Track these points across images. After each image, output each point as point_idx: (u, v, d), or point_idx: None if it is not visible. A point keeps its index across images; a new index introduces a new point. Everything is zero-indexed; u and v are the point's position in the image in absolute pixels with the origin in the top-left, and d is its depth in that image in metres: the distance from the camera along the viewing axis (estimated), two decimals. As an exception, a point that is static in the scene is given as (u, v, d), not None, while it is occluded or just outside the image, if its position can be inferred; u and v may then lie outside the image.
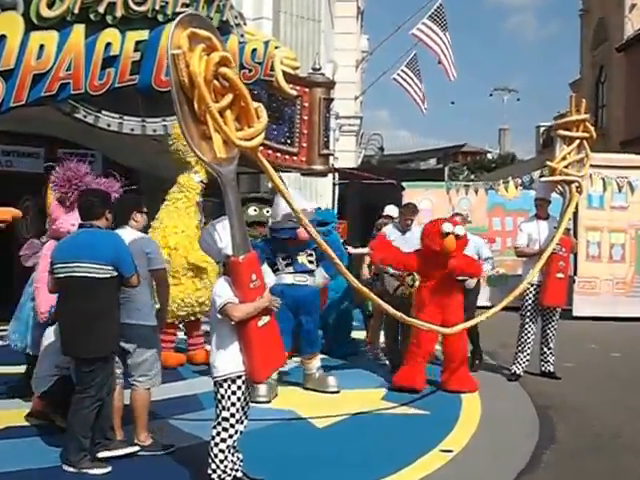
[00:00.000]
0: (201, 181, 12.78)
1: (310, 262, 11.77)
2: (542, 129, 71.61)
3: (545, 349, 14.11)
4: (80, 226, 8.70)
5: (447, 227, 12.13)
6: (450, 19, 33.88)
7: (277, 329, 7.84)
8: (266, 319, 7.54)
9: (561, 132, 13.26)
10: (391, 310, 11.11)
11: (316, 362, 12.30)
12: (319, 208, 13.04)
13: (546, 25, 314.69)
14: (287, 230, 11.19)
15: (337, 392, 11.91)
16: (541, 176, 19.56)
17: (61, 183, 10.38)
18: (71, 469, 8.29)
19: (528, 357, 13.94)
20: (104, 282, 8.28)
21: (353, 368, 13.84)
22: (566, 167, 13.12)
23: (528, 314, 13.80)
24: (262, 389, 10.38)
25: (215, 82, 7.15)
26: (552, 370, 14.12)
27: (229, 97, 7.26)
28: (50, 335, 9.34)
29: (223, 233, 7.53)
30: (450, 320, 12.23)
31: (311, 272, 11.68)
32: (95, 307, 8.27)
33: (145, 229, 9.80)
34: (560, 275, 13.58)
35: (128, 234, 9.06)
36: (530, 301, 13.73)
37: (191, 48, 6.96)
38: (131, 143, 15.12)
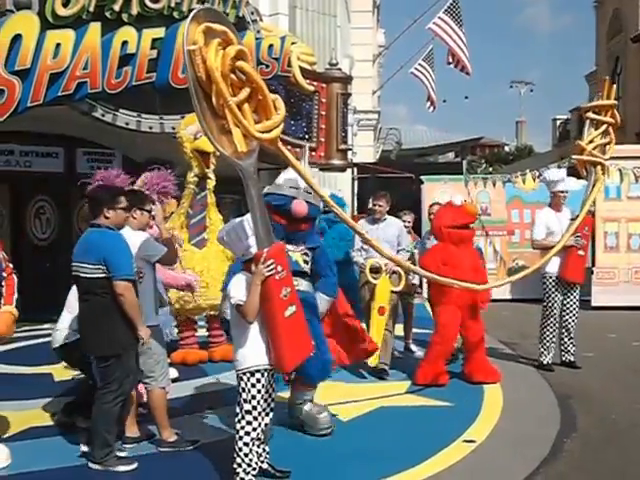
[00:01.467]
0: (195, 175, 12.68)
1: (305, 262, 9.89)
2: (558, 122, 71.55)
3: (566, 339, 14.10)
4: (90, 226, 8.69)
5: (457, 199, 12.86)
6: (465, 13, 33.85)
7: (304, 318, 7.88)
8: (292, 309, 7.55)
9: (591, 115, 13.26)
10: (428, 274, 11.32)
11: (310, 393, 9.80)
12: (332, 194, 12.87)
13: (560, 17, 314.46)
14: (280, 197, 9.34)
15: (329, 434, 9.49)
16: (558, 167, 19.57)
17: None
18: (97, 466, 8.29)
19: (554, 345, 13.95)
20: (98, 282, 8.22)
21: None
22: (594, 149, 13.15)
23: (551, 302, 13.79)
24: (322, 418, 9.52)
25: (232, 76, 7.09)
26: (573, 360, 14.12)
27: (246, 90, 7.21)
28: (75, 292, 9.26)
29: (250, 230, 7.57)
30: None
31: (305, 274, 9.84)
32: (95, 307, 8.28)
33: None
34: (581, 252, 13.69)
35: (126, 233, 8.97)
36: (552, 287, 13.76)
37: (207, 43, 6.92)
38: (149, 141, 15.11)
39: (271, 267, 7.35)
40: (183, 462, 8.61)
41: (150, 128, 14.96)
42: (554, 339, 13.84)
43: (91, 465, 8.33)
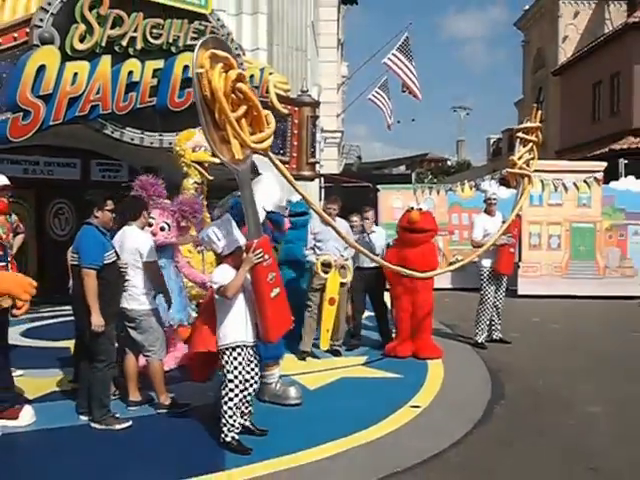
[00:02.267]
0: (195, 182, 12.73)
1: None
2: (492, 141, 71.91)
3: (496, 319, 14.35)
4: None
5: (412, 203, 13.32)
6: (415, 49, 34.09)
7: (285, 298, 8.01)
8: (277, 291, 7.75)
9: (520, 135, 13.45)
10: (387, 265, 11.64)
11: (277, 371, 9.74)
12: (289, 201, 12.89)
13: (494, 53, 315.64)
14: (278, 215, 9.85)
15: (299, 404, 9.48)
16: (492, 179, 19.78)
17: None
18: (97, 425, 8.41)
19: (487, 327, 14.18)
20: (78, 268, 8.36)
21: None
22: (522, 164, 13.33)
23: (486, 290, 14.04)
24: (292, 392, 9.52)
25: (232, 95, 7.20)
26: (502, 336, 14.42)
27: (243, 107, 7.33)
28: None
29: (220, 234, 7.71)
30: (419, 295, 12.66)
31: None
32: (81, 288, 8.31)
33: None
34: (512, 250, 14.05)
35: (130, 230, 9.19)
36: (487, 279, 13.99)
37: (212, 66, 7.04)
38: (150, 154, 15.11)
39: (260, 255, 7.49)
40: (177, 422, 8.71)
41: (151, 143, 14.95)
42: (487, 322, 13.99)
43: (93, 425, 8.44)
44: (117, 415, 8.61)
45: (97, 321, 8.29)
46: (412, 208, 12.89)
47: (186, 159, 12.77)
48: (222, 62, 7.14)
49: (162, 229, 10.65)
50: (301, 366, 11.75)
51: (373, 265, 12.71)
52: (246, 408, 8.00)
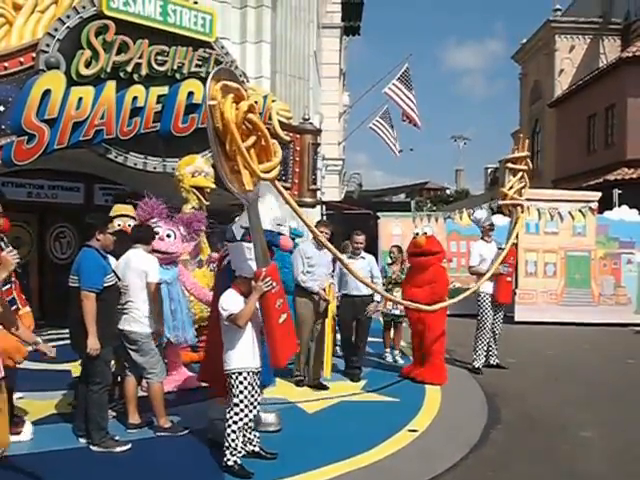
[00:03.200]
0: (193, 207, 12.68)
1: None
2: (489, 170, 72.09)
3: (493, 345, 14.36)
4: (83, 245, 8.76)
5: (417, 229, 13.53)
6: (415, 80, 34.19)
7: (292, 323, 8.07)
8: (284, 316, 7.73)
9: (509, 165, 13.56)
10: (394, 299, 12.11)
11: (260, 398, 8.60)
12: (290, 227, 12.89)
13: (492, 85, 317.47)
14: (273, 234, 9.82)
15: (278, 431, 9.05)
16: (490, 207, 19.81)
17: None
18: (97, 448, 8.29)
19: (485, 353, 14.20)
20: (77, 290, 8.23)
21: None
22: (514, 193, 13.34)
23: (484, 317, 14.10)
24: (272, 418, 9.17)
25: (242, 125, 7.16)
26: (499, 362, 14.43)
27: (253, 138, 7.30)
28: None
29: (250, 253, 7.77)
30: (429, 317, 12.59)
31: None
32: (78, 312, 8.20)
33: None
34: (509, 279, 14.20)
35: (137, 252, 9.19)
36: (486, 305, 14.05)
37: (223, 97, 7.00)
38: (153, 179, 15.04)
39: (269, 283, 7.45)
40: (177, 445, 8.59)
41: (154, 168, 14.89)
42: (485, 347, 13.95)
43: (92, 447, 8.32)
44: (116, 438, 8.51)
45: (93, 344, 8.19)
46: (417, 234, 13.03)
47: (185, 184, 12.75)
48: (233, 93, 7.11)
49: (168, 236, 10.74)
50: (299, 391, 11.65)
51: (363, 293, 12.61)
52: (249, 432, 7.90)
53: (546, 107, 50.97)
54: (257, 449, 8.00)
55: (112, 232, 9.21)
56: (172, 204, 11.59)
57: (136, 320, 8.96)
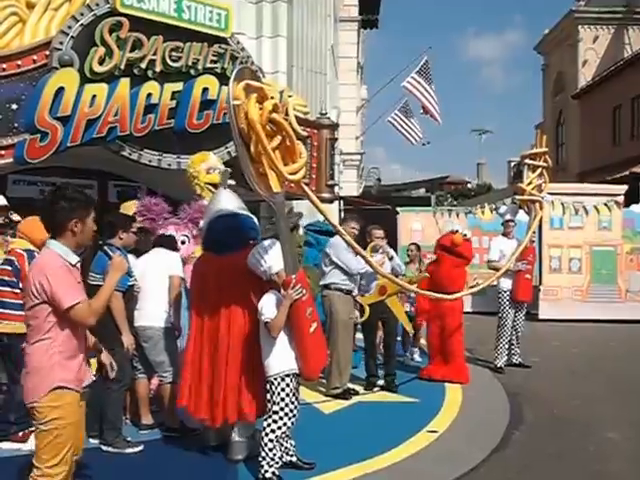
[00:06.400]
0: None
1: None
2: (512, 163, 71.85)
3: (514, 343, 14.35)
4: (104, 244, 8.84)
5: (457, 226, 13.53)
6: (435, 72, 34.13)
7: (322, 333, 7.89)
8: (314, 325, 7.51)
9: (528, 161, 13.50)
10: (417, 290, 11.47)
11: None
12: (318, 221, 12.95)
13: (512, 77, 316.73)
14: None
15: (239, 461, 8.10)
16: (513, 202, 19.74)
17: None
18: (109, 449, 8.39)
19: (507, 351, 14.17)
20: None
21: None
22: (532, 189, 13.32)
23: (505, 314, 14.06)
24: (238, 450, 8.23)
25: (266, 126, 7.04)
26: (522, 360, 14.39)
27: (278, 138, 7.17)
28: None
29: (266, 255, 7.49)
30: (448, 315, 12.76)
31: None
32: None
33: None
34: (528, 276, 14.14)
35: (159, 250, 9.44)
36: (506, 302, 14.04)
37: (247, 97, 6.90)
38: (168, 176, 15.07)
39: (299, 291, 7.27)
40: (186, 446, 8.61)
41: (169, 165, 14.92)
42: (506, 346, 13.94)
43: (104, 448, 8.42)
44: (129, 439, 8.60)
45: (129, 340, 8.45)
46: (457, 230, 13.06)
47: (200, 181, 12.76)
48: (256, 93, 7.02)
49: (183, 242, 10.72)
50: (316, 391, 11.56)
51: None
52: (286, 442, 7.77)
53: (570, 99, 50.82)
54: (294, 459, 7.89)
55: (135, 230, 9.36)
56: (179, 198, 11.63)
57: (153, 315, 9.10)
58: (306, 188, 7.94)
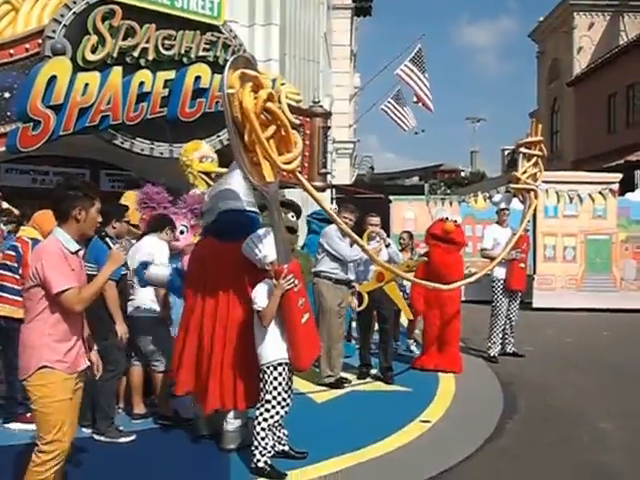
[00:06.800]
0: (202, 192, 12.76)
1: None
2: (506, 152, 71.94)
3: (508, 332, 14.39)
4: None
5: (447, 213, 14.34)
6: (428, 60, 34.17)
7: (314, 323, 7.89)
8: (307, 316, 7.51)
9: (523, 149, 13.50)
10: (415, 280, 11.67)
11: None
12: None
13: (508, 64, 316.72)
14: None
15: (232, 450, 8.09)
16: (507, 191, 19.78)
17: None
18: (101, 438, 8.44)
19: (500, 340, 14.19)
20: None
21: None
22: (527, 178, 13.34)
23: (498, 303, 14.08)
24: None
25: (261, 115, 6.99)
26: (515, 350, 14.45)
27: (273, 127, 7.10)
28: None
29: (260, 244, 7.47)
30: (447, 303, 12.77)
31: None
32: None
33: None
34: (522, 265, 14.10)
35: (149, 238, 9.42)
36: (500, 291, 14.05)
37: (242, 86, 6.83)
38: (160, 164, 15.11)
39: (291, 282, 7.27)
40: (179, 435, 8.66)
41: (161, 154, 14.99)
42: (500, 335, 13.98)
43: (96, 437, 8.48)
44: (121, 428, 8.65)
45: (123, 329, 8.50)
46: (447, 218, 13.09)
47: (193, 170, 12.80)
48: (252, 81, 6.95)
49: (182, 232, 10.70)
50: (308, 380, 11.50)
51: None
52: (279, 431, 7.78)
53: (565, 86, 50.91)
54: (286, 448, 7.88)
55: (127, 224, 9.49)
56: (173, 187, 11.66)
57: (144, 305, 9.16)
58: (301, 177, 7.92)
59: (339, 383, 11.44)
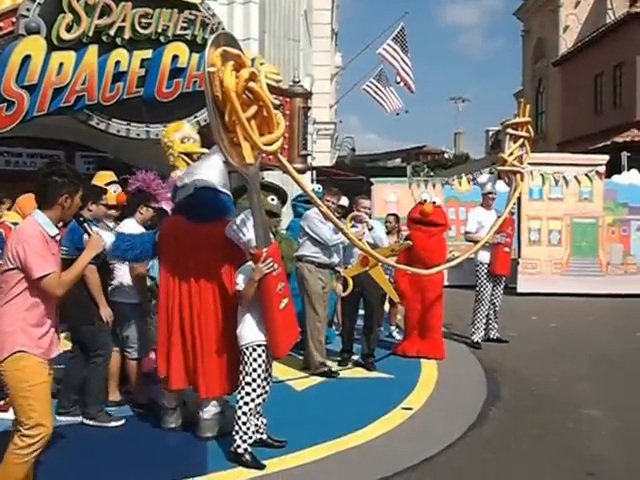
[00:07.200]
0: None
1: None
2: (490, 133, 72.02)
3: (492, 317, 14.43)
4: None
5: (425, 195, 13.47)
6: (410, 39, 34.23)
7: (293, 309, 7.82)
8: (285, 301, 7.48)
9: (510, 131, 13.48)
10: (396, 265, 11.45)
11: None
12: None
13: (490, 43, 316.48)
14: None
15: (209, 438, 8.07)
16: (490, 172, 19.80)
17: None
18: (91, 422, 8.50)
19: (484, 326, 14.23)
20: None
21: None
22: (513, 160, 13.34)
23: (482, 288, 14.09)
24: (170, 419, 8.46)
25: (242, 95, 6.92)
26: (499, 336, 14.49)
27: (254, 108, 7.01)
28: None
29: (244, 228, 7.45)
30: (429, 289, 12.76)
31: None
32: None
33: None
34: (507, 249, 14.10)
35: (128, 223, 9.33)
36: (484, 275, 14.06)
37: (223, 64, 6.77)
38: (137, 146, 15.08)
39: (270, 265, 7.24)
40: (154, 425, 8.58)
41: (138, 135, 14.93)
42: (484, 320, 14.01)
43: (86, 421, 8.53)
44: (111, 412, 8.71)
45: (107, 312, 8.55)
46: (425, 200, 13.03)
47: (174, 150, 12.78)
48: (234, 60, 6.88)
49: None
50: (288, 368, 11.51)
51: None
52: (257, 419, 7.73)
53: (550, 66, 50.94)
54: (265, 437, 7.86)
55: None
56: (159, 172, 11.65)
57: (121, 291, 9.14)
58: (282, 158, 7.88)
59: (331, 373, 11.39)
